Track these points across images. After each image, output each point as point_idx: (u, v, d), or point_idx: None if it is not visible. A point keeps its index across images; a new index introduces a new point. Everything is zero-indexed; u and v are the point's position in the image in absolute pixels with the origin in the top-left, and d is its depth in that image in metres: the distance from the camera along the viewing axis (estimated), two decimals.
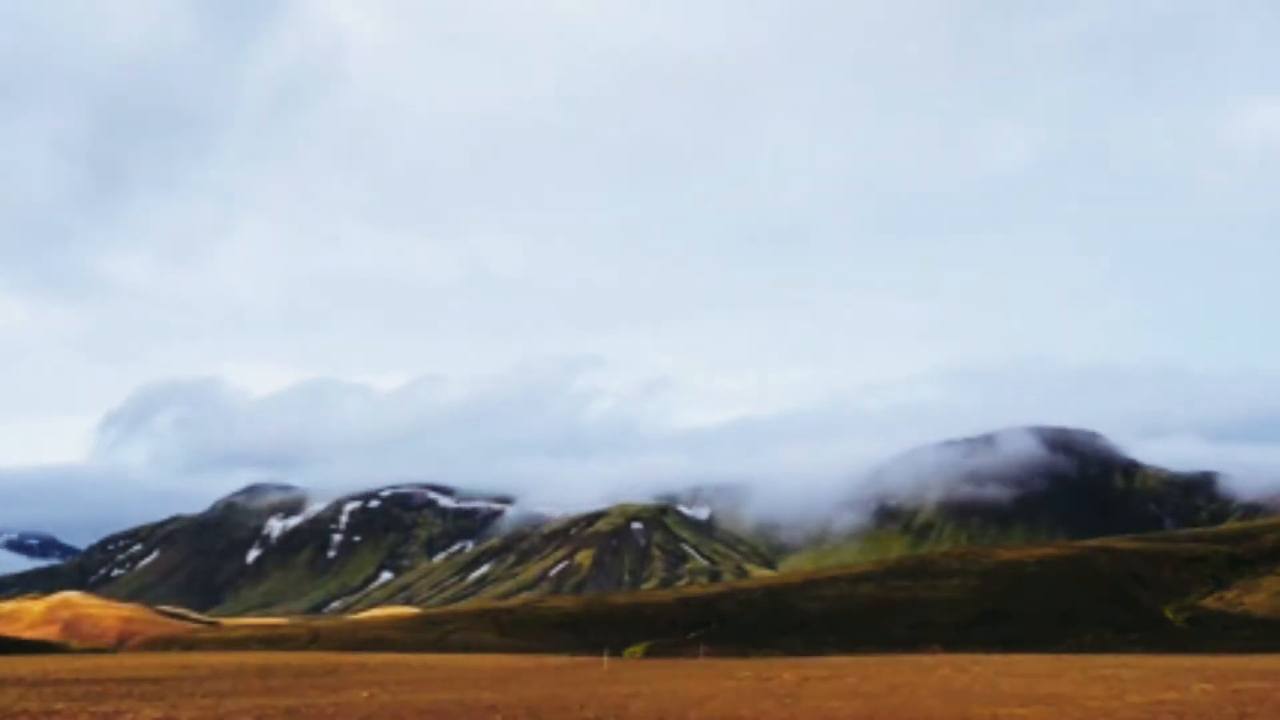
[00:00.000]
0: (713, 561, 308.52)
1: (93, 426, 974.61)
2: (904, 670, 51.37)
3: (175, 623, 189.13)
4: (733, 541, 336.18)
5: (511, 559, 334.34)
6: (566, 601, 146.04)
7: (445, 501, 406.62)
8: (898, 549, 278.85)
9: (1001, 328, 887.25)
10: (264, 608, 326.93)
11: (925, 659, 67.80)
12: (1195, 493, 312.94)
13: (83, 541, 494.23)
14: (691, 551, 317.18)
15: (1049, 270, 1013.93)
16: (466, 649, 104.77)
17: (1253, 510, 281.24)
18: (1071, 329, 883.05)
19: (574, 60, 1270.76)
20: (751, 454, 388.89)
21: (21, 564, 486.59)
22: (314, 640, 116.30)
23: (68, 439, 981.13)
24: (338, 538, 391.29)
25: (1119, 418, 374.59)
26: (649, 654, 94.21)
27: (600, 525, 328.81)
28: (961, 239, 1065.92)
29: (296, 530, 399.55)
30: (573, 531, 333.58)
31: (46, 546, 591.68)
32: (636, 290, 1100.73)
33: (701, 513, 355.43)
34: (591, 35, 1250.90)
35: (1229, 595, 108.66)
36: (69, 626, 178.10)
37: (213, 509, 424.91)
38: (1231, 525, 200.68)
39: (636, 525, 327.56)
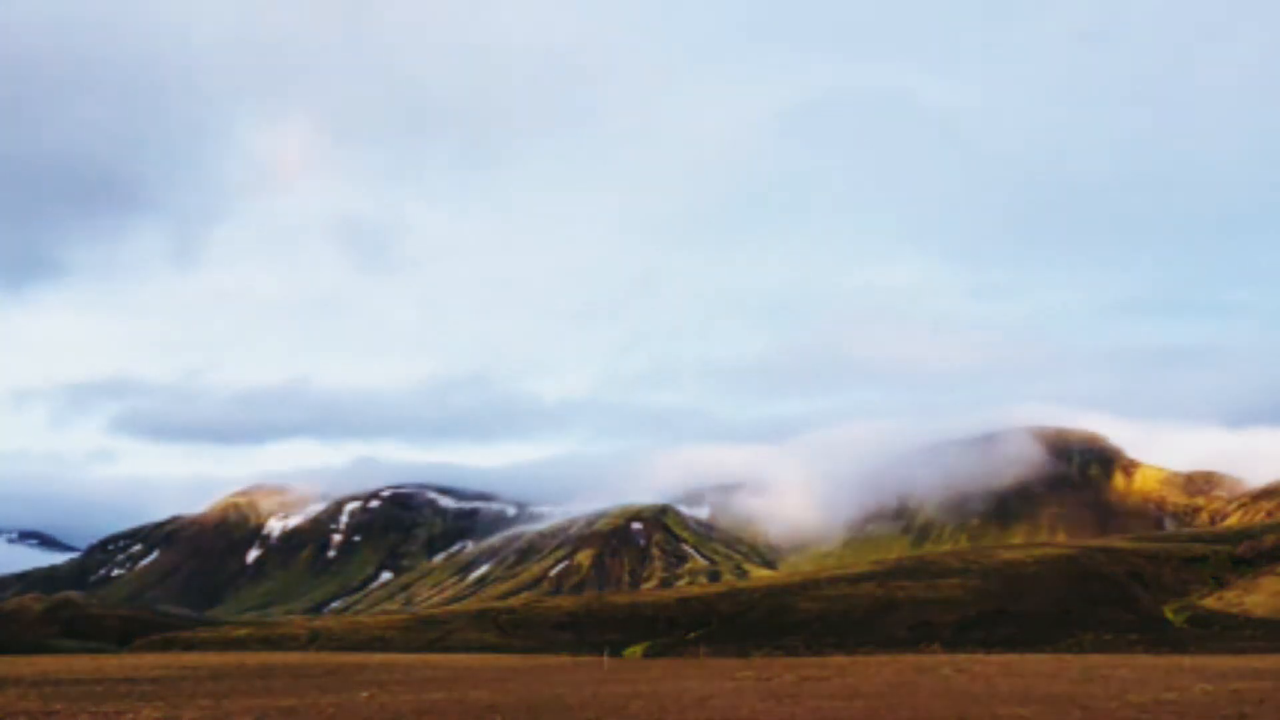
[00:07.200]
0: (713, 561, 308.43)
1: None
2: (904, 670, 51.38)
3: (175, 623, 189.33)
4: (733, 541, 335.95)
5: (511, 559, 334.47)
6: (566, 601, 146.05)
7: (445, 501, 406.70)
8: (898, 549, 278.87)
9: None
10: (264, 608, 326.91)
11: (925, 659, 67.83)
12: (1195, 492, 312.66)
13: (83, 541, 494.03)
14: (691, 551, 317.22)
15: None
16: (467, 649, 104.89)
17: (1266, 495, 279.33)
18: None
19: None
20: (751, 453, 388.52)
21: (21, 564, 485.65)
22: (314, 640, 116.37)
23: None
24: (338, 538, 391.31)
25: (1119, 414, 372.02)
26: (649, 654, 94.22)
27: (600, 525, 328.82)
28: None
29: (296, 530, 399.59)
30: (573, 531, 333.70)
31: (46, 546, 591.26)
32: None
33: (701, 513, 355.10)
34: None
35: (1229, 595, 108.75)
36: (69, 626, 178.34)
37: (212, 509, 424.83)
38: (1231, 525, 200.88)
39: (636, 525, 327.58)
